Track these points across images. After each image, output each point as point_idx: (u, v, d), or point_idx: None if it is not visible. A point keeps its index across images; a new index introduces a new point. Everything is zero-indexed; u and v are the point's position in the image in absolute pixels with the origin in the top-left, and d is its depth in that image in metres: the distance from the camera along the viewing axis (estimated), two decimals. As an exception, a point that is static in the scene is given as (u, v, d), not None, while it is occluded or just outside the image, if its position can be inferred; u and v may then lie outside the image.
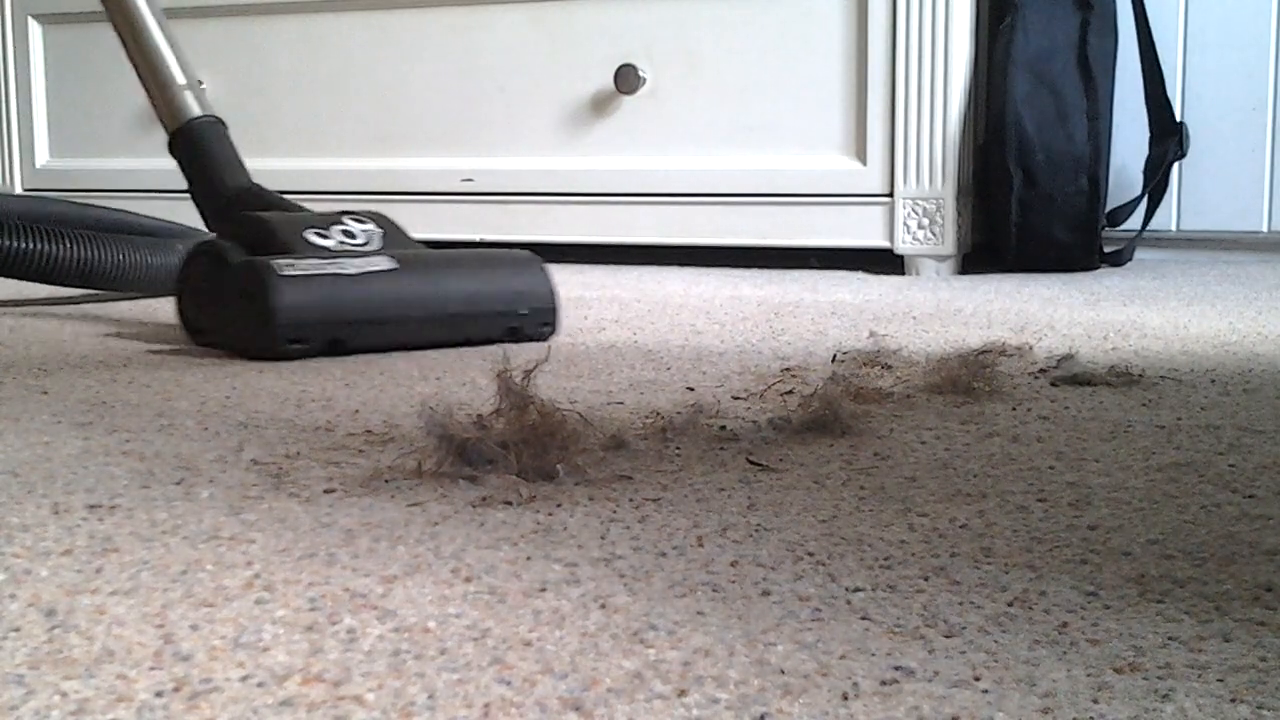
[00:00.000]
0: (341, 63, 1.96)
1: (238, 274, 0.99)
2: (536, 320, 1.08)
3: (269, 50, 2.00)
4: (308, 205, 1.19)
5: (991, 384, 0.83)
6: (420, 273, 1.04)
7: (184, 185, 1.19)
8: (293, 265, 0.98)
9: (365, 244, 1.07)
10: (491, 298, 1.06)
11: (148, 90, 1.22)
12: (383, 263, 1.02)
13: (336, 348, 0.99)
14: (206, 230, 1.19)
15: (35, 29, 2.17)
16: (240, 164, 1.19)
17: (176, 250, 1.34)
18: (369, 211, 1.13)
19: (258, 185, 1.17)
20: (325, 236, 1.06)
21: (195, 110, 1.20)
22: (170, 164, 1.20)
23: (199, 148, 1.18)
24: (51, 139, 2.19)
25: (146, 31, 1.21)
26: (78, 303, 1.39)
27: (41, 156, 2.19)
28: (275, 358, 0.97)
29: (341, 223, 1.09)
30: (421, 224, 1.90)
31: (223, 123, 1.21)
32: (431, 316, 1.03)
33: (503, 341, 1.06)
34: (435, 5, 1.90)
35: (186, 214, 1.29)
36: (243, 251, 1.02)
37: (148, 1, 1.22)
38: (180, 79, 1.20)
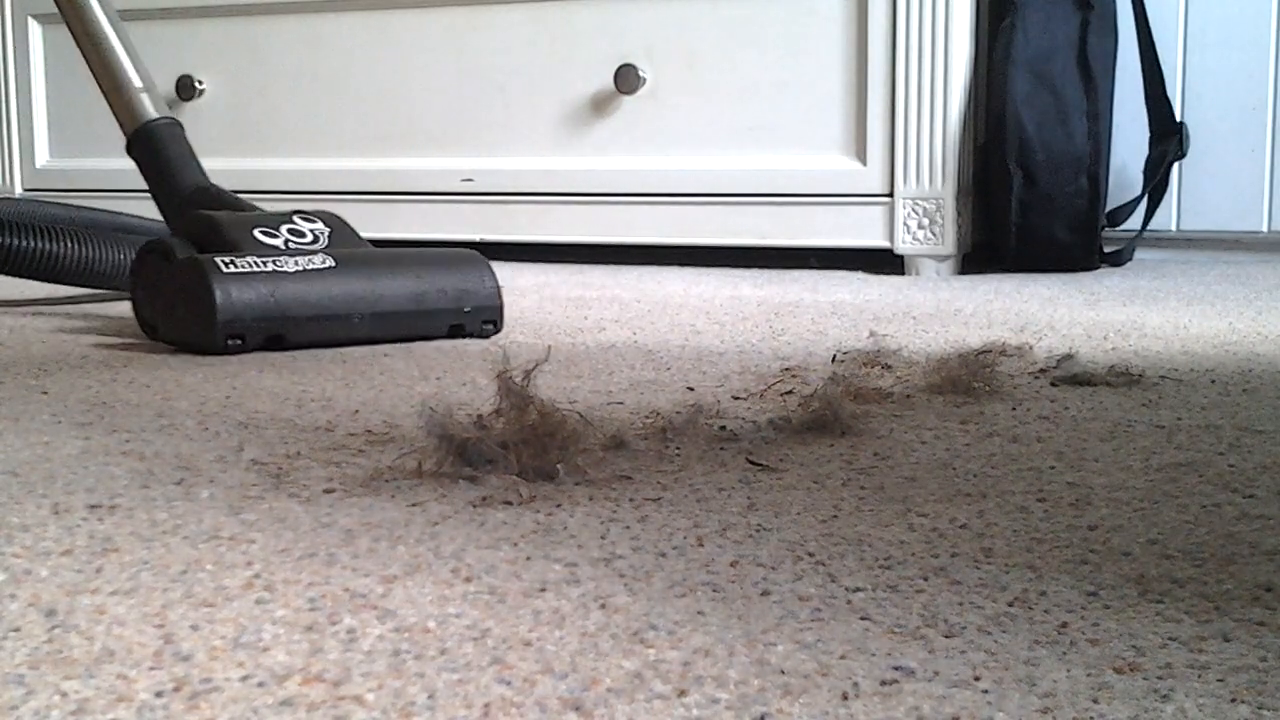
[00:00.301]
0: (341, 63, 1.96)
1: (180, 271, 1.01)
2: (479, 318, 1.10)
3: (269, 50, 2.00)
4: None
5: (991, 384, 0.83)
6: (359, 271, 1.05)
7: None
8: (232, 263, 1.00)
9: (312, 242, 1.09)
10: (433, 296, 1.08)
11: (104, 93, 1.23)
12: (323, 260, 1.04)
13: (277, 343, 1.01)
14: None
15: (35, 29, 2.17)
16: (197, 164, 1.20)
17: None
18: (319, 211, 1.15)
19: (214, 185, 1.19)
20: (273, 235, 1.07)
21: (151, 112, 1.21)
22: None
23: (156, 149, 1.20)
24: (51, 139, 2.19)
25: (102, 34, 1.23)
26: (78, 302, 1.39)
27: (41, 156, 2.19)
28: (216, 353, 0.99)
29: (291, 221, 1.11)
30: (421, 224, 1.91)
31: (179, 124, 1.22)
32: (371, 313, 1.05)
33: (446, 338, 1.09)
34: (435, 5, 1.90)
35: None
36: (190, 249, 1.04)
37: (102, 5, 1.23)
38: (136, 81, 1.22)
